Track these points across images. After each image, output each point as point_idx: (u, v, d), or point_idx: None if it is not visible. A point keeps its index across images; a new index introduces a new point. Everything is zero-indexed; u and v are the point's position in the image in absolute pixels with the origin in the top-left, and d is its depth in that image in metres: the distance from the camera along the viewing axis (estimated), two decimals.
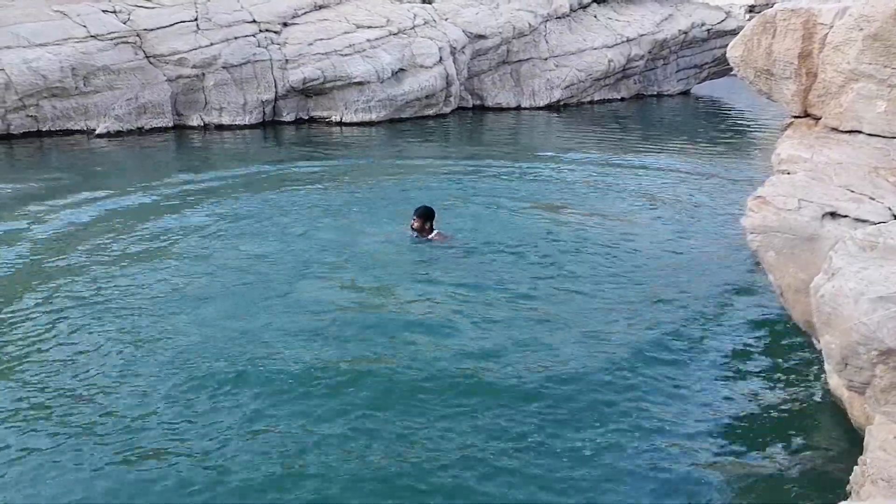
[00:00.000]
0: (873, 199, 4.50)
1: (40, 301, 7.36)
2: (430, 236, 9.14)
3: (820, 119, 5.29)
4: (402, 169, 14.75)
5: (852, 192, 4.60)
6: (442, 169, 14.67)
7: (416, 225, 9.12)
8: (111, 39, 18.46)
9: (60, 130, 18.11)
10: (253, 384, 5.67)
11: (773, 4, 5.63)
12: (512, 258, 8.72)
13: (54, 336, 6.55)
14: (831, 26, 5.06)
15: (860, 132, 4.98)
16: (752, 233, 4.80)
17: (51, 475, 4.60)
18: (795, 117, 5.51)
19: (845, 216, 4.45)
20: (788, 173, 5.05)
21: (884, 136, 4.86)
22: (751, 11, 38.97)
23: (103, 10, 19.15)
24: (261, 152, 17.29)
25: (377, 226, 10.05)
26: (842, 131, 5.09)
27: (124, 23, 19.04)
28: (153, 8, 19.97)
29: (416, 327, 6.71)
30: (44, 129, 17.92)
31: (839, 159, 4.90)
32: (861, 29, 4.80)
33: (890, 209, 4.39)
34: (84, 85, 18.04)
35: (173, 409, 5.33)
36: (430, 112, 22.92)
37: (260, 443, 4.94)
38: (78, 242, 9.34)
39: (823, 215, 4.52)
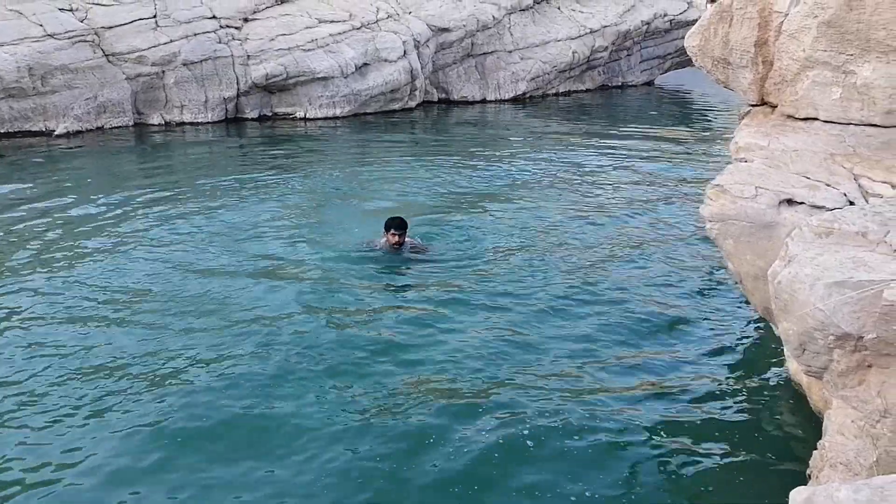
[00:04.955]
0: (829, 185, 4.53)
1: None
2: (403, 248, 8.56)
3: (776, 107, 5.33)
4: (367, 167, 14.61)
5: (808, 178, 4.64)
6: (407, 166, 14.56)
7: (396, 241, 8.42)
8: (69, 38, 18.09)
9: (19, 132, 17.70)
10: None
11: None
12: (488, 265, 8.40)
13: None
14: (787, 14, 5.09)
15: (816, 119, 5.02)
16: (710, 221, 4.82)
17: None
18: (753, 105, 5.55)
19: (802, 203, 4.48)
20: (746, 161, 5.08)
21: (839, 123, 4.91)
22: (712, 1, 39.21)
23: (60, 9, 18.75)
24: (223, 151, 17.06)
25: (345, 233, 9.57)
26: (798, 119, 5.13)
27: (81, 21, 18.67)
28: (111, 6, 19.56)
29: (391, 347, 6.38)
30: (2, 131, 17.52)
31: (795, 146, 4.94)
32: (816, 16, 4.83)
33: (845, 195, 4.43)
34: (42, 85, 17.67)
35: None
36: (396, 106, 22.80)
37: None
38: (25, 241, 9.16)
39: (780, 202, 4.55)
